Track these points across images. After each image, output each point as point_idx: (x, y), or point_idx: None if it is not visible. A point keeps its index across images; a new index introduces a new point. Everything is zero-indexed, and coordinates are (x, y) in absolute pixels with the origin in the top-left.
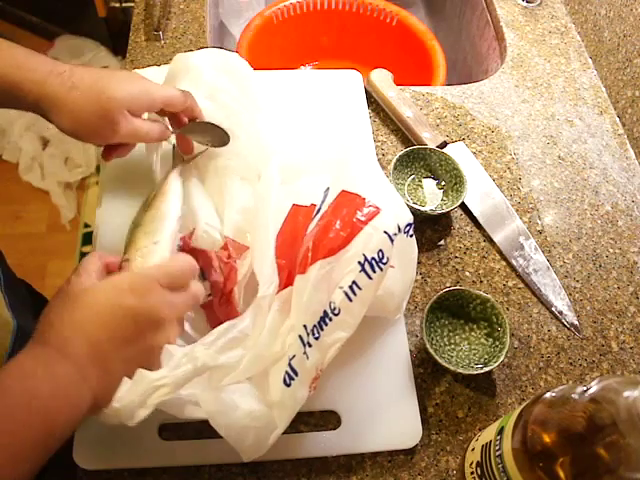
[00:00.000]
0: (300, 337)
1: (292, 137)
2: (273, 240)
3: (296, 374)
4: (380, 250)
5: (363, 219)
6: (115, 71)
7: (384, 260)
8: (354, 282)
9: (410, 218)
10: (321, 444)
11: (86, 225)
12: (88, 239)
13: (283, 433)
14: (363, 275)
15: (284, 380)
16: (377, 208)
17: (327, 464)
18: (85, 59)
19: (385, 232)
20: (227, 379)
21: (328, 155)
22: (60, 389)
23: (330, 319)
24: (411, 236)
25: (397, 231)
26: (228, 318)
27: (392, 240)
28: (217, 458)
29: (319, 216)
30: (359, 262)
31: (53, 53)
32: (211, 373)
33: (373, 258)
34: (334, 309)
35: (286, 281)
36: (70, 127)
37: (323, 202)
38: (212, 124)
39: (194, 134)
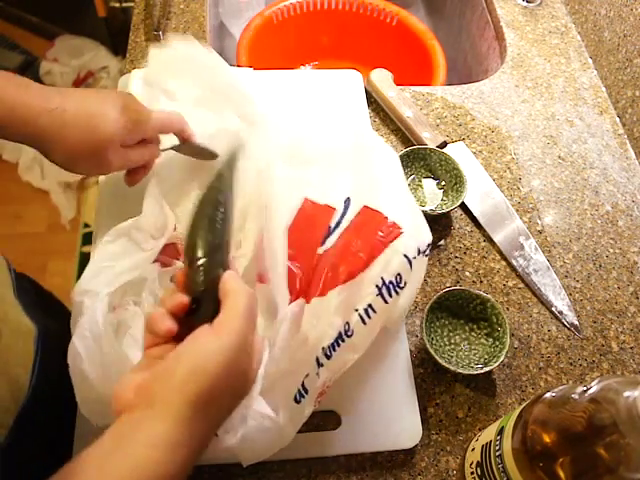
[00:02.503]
0: (317, 359)
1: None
2: (284, 244)
3: (307, 392)
4: (399, 274)
5: (384, 240)
6: (108, 100)
7: (401, 285)
8: (370, 305)
9: (429, 238)
10: (321, 444)
11: (86, 225)
12: (88, 239)
13: None
14: (379, 299)
15: (295, 398)
16: (399, 228)
17: (327, 464)
18: (85, 59)
19: (405, 256)
20: None
21: (339, 146)
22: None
23: (343, 340)
24: (427, 255)
25: (417, 254)
26: None
27: (411, 264)
28: (217, 458)
29: (339, 231)
30: (377, 286)
31: (53, 53)
32: None
33: (391, 282)
34: (347, 331)
35: (299, 290)
36: (63, 163)
37: (344, 215)
38: (200, 146)
39: (184, 153)
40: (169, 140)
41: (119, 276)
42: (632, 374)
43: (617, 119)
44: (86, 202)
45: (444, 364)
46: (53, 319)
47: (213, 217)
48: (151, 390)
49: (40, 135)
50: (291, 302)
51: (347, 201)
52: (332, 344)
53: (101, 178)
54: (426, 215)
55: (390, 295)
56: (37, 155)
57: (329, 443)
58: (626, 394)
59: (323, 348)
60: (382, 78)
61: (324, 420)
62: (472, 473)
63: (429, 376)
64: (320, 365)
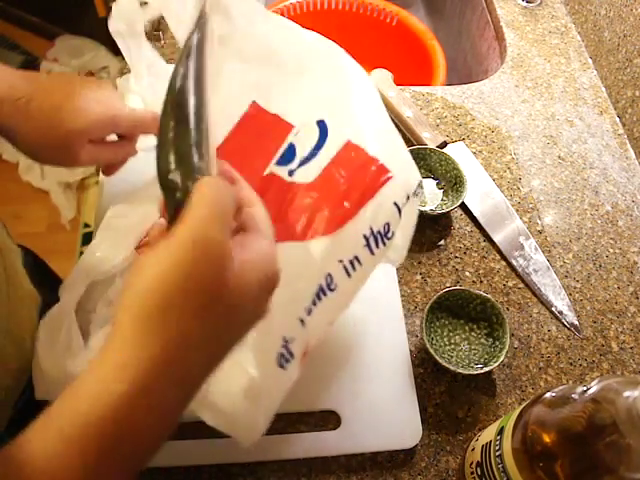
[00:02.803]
0: (301, 320)
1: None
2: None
3: (292, 356)
4: (387, 223)
5: (373, 185)
6: (80, 92)
7: (389, 235)
8: (356, 257)
9: (418, 178)
10: (321, 444)
11: (86, 225)
12: (88, 239)
13: (283, 433)
14: (366, 250)
15: (279, 363)
16: (388, 172)
17: (327, 464)
18: (85, 59)
19: (395, 204)
20: None
21: (307, 53)
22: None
23: (325, 294)
24: (417, 196)
25: (406, 200)
26: None
27: (400, 212)
28: (217, 458)
29: (319, 163)
30: (364, 236)
31: (53, 53)
32: None
33: (379, 232)
34: (330, 284)
35: None
36: (28, 153)
37: (321, 144)
38: None
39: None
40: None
41: (98, 265)
42: (632, 374)
43: (617, 119)
44: (86, 202)
45: (444, 364)
46: (52, 293)
47: (181, 117)
48: (115, 307)
49: (3, 124)
50: None
51: (322, 125)
52: (313, 299)
53: (101, 178)
54: (426, 215)
55: (377, 245)
56: None
57: (329, 443)
58: (626, 394)
59: (306, 307)
60: (382, 78)
61: (324, 420)
62: (472, 473)
63: (429, 376)
64: (303, 324)
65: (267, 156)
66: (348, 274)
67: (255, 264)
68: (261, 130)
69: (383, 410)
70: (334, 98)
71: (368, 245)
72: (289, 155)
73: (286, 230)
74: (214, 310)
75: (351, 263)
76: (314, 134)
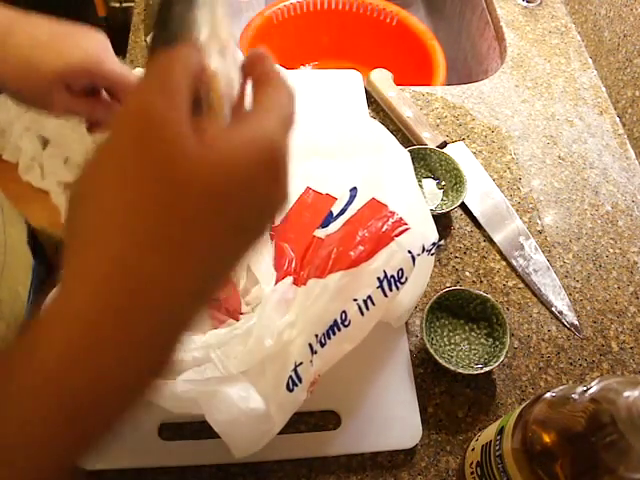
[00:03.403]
0: (310, 345)
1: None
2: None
3: (300, 381)
4: (401, 269)
5: (390, 234)
6: (65, 33)
7: (402, 280)
8: (369, 297)
9: (436, 237)
10: (321, 444)
11: None
12: None
13: (283, 433)
14: (379, 291)
15: (287, 386)
16: (405, 225)
17: (327, 464)
18: None
19: (409, 252)
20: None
21: (349, 140)
22: None
23: (339, 329)
24: (432, 254)
25: (421, 251)
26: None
27: (414, 260)
28: (217, 458)
29: (344, 218)
30: (378, 278)
31: None
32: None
33: (392, 276)
34: (344, 320)
35: (287, 270)
36: (7, 93)
37: (349, 204)
38: None
39: None
40: None
41: None
42: (632, 374)
43: (617, 119)
44: None
45: (444, 364)
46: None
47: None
48: None
49: None
50: (278, 281)
51: (353, 190)
52: (327, 332)
53: None
54: None
55: (390, 289)
56: (37, 155)
57: (329, 443)
58: (626, 394)
59: (317, 335)
60: (382, 78)
61: (324, 420)
62: (472, 473)
63: (429, 376)
64: (314, 352)
65: (315, 224)
66: (362, 313)
67: (247, 130)
68: (314, 206)
69: (383, 410)
70: (369, 170)
71: (381, 287)
72: (328, 219)
73: (309, 273)
74: (176, 212)
75: (365, 303)
76: (346, 198)
